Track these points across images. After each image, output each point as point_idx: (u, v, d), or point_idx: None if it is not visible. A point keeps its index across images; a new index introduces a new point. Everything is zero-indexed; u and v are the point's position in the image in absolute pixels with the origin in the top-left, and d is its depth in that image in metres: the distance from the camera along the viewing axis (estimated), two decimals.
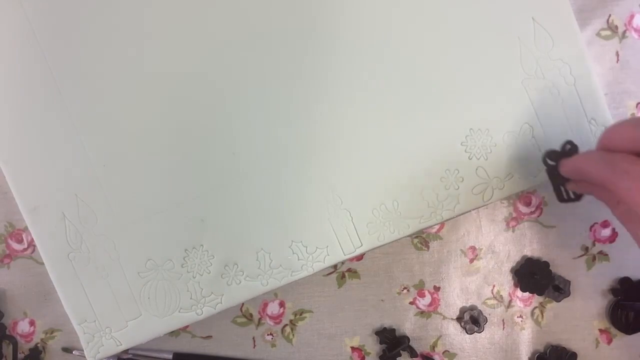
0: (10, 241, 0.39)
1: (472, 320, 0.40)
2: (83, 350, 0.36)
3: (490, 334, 0.40)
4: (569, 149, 0.34)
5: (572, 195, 0.34)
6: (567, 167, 0.33)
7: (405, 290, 0.40)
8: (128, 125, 0.36)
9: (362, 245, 0.36)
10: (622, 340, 0.40)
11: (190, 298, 0.36)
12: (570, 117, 0.36)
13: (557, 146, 0.34)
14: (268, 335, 0.40)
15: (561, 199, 0.35)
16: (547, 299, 0.40)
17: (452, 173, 0.36)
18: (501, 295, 0.40)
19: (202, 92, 0.36)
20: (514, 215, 0.40)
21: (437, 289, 0.40)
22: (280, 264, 0.36)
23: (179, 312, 0.36)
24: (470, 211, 0.37)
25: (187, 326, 0.39)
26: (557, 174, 0.34)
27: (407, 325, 0.40)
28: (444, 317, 0.40)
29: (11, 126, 0.35)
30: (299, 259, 0.36)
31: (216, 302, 0.36)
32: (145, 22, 0.36)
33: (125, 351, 0.38)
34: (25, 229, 0.38)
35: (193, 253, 0.36)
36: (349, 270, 0.40)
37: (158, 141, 0.36)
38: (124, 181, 0.36)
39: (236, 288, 0.36)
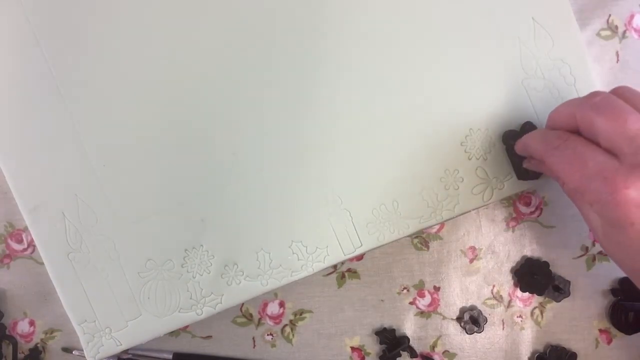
0: (10, 241, 0.39)
1: (472, 320, 0.40)
2: (83, 351, 0.36)
3: (490, 334, 0.40)
4: (527, 129, 0.35)
5: (530, 174, 0.36)
6: (518, 145, 0.35)
7: (405, 290, 0.40)
8: (128, 125, 0.36)
9: (362, 245, 0.36)
10: (622, 341, 0.40)
11: (190, 298, 0.36)
12: None
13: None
14: (268, 335, 0.40)
15: (519, 177, 0.36)
16: (546, 299, 0.40)
17: (452, 173, 0.36)
18: (501, 295, 0.40)
19: (202, 92, 0.36)
20: (514, 215, 0.40)
21: (437, 289, 0.40)
22: (280, 264, 0.36)
23: (179, 312, 0.36)
24: (470, 211, 0.37)
25: (187, 326, 0.39)
26: (515, 153, 0.35)
27: (407, 325, 0.40)
28: (444, 317, 0.40)
29: (11, 126, 0.35)
30: (298, 259, 0.36)
31: (216, 302, 0.36)
32: (146, 22, 0.36)
33: (125, 351, 0.38)
34: (25, 229, 0.38)
35: (193, 253, 0.36)
36: (349, 270, 0.40)
37: (158, 141, 0.36)
38: (124, 181, 0.36)
39: (236, 288, 0.36)
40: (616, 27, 0.39)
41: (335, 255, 0.36)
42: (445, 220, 0.37)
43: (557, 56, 0.36)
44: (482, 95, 0.36)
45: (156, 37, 0.36)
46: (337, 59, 0.36)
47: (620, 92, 0.30)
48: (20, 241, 0.39)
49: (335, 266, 0.40)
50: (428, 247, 0.40)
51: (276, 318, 0.40)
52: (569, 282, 0.40)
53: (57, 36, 0.35)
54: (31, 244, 0.39)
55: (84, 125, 0.36)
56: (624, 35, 0.39)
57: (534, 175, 0.36)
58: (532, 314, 0.40)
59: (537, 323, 0.40)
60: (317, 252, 0.36)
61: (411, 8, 0.36)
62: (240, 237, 0.36)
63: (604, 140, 0.28)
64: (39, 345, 0.39)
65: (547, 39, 0.36)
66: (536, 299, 0.40)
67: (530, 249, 0.40)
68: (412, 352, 0.40)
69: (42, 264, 0.38)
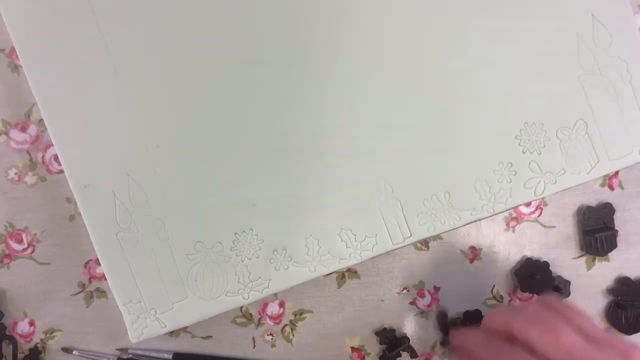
0: (10, 241, 0.39)
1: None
2: (83, 350, 0.36)
3: None
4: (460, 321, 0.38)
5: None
6: (455, 339, 0.35)
7: (405, 291, 0.40)
8: (182, 106, 0.35)
9: (411, 235, 0.36)
10: None
11: (238, 282, 0.36)
12: (625, 114, 0.36)
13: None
14: (268, 335, 0.40)
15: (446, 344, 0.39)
16: None
17: (506, 166, 0.36)
18: (501, 296, 0.40)
19: (257, 76, 0.36)
20: (514, 215, 0.40)
21: (437, 289, 0.40)
22: (329, 251, 0.36)
23: (226, 295, 0.36)
24: (521, 205, 0.37)
25: (186, 327, 0.39)
26: (445, 326, 0.39)
27: (407, 325, 0.40)
28: None
29: (64, 104, 0.35)
30: (347, 247, 0.36)
31: (263, 287, 0.36)
32: (205, 7, 0.35)
33: (125, 351, 0.39)
34: (25, 229, 0.38)
35: (242, 237, 0.36)
36: (349, 270, 0.40)
37: (211, 124, 0.36)
38: (176, 162, 0.35)
39: (284, 273, 0.36)
40: None
41: (384, 244, 0.36)
42: (497, 213, 0.36)
43: (614, 53, 0.36)
44: (538, 89, 0.36)
45: (213, 21, 0.35)
46: (397, 47, 0.36)
47: (547, 303, 0.32)
48: (20, 241, 0.39)
49: None
50: (428, 247, 0.40)
51: (276, 318, 0.40)
52: (569, 282, 0.40)
53: (115, 14, 0.35)
54: (31, 244, 0.39)
55: (138, 106, 0.35)
56: None
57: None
58: None
59: None
60: (366, 241, 0.36)
61: (471, 3, 0.36)
62: (290, 222, 0.36)
63: (542, 351, 0.29)
64: (38, 345, 0.39)
65: (606, 35, 0.36)
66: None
67: (530, 249, 0.40)
68: (412, 352, 0.40)
69: (42, 264, 0.38)
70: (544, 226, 0.40)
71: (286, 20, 0.36)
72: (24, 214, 0.38)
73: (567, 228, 0.40)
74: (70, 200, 0.38)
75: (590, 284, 0.40)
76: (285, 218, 0.36)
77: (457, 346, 0.36)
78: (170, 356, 0.39)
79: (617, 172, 0.40)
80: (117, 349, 0.39)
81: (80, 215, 0.35)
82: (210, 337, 0.40)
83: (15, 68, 0.38)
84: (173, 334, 0.39)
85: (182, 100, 0.35)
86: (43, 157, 0.38)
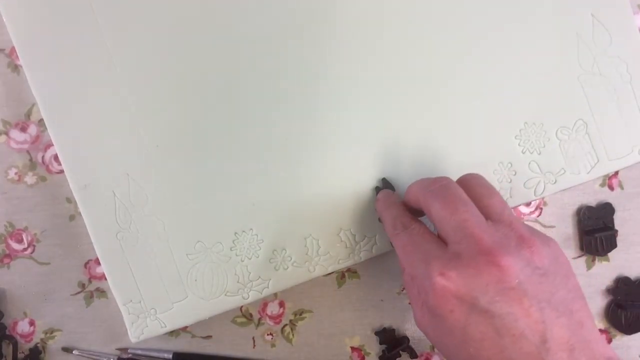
0: (10, 241, 0.39)
1: None
2: (83, 350, 0.36)
3: None
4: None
5: None
6: (378, 205, 0.34)
7: (405, 291, 0.40)
8: (182, 107, 0.35)
9: None
10: (622, 341, 0.40)
11: (237, 282, 0.36)
12: (624, 114, 0.36)
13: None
14: (268, 335, 0.40)
15: None
16: None
17: (505, 166, 0.36)
18: None
19: (257, 78, 0.36)
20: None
21: None
22: (328, 251, 0.36)
23: (226, 295, 0.36)
24: (521, 205, 0.37)
25: (186, 327, 0.39)
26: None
27: (407, 325, 0.40)
28: None
29: (64, 104, 0.35)
30: (347, 247, 0.36)
31: (263, 287, 0.36)
32: (200, 5, 0.35)
33: (125, 351, 0.39)
34: (26, 229, 0.39)
35: (242, 237, 0.36)
36: (348, 270, 0.40)
37: (211, 124, 0.36)
38: (176, 162, 0.35)
39: (283, 273, 0.36)
40: None
41: (384, 245, 0.36)
42: None
43: (614, 53, 0.36)
44: (538, 89, 0.36)
45: (209, 20, 0.35)
46: (396, 47, 0.36)
47: (465, 180, 0.30)
48: (20, 241, 0.39)
49: None
50: None
51: (276, 318, 0.40)
52: None
53: (115, 13, 0.35)
54: (31, 244, 0.39)
55: (138, 106, 0.35)
56: None
57: None
58: None
59: None
60: (365, 241, 0.36)
61: (471, 2, 0.36)
62: (290, 222, 0.36)
63: (437, 226, 0.28)
64: (39, 345, 0.39)
65: (605, 35, 0.36)
66: None
67: None
68: (412, 352, 0.40)
69: (42, 264, 0.38)
70: (544, 226, 0.40)
71: (285, 20, 0.35)
72: (24, 214, 0.38)
73: (567, 228, 0.40)
74: (70, 200, 0.38)
75: (589, 284, 0.40)
76: (285, 218, 0.36)
77: (378, 212, 0.35)
78: (170, 356, 0.39)
79: (616, 172, 0.40)
80: (117, 349, 0.39)
81: (80, 215, 0.35)
82: (210, 337, 0.40)
83: (15, 68, 0.38)
84: (173, 333, 0.39)
85: (182, 100, 0.35)
86: (43, 157, 0.38)
